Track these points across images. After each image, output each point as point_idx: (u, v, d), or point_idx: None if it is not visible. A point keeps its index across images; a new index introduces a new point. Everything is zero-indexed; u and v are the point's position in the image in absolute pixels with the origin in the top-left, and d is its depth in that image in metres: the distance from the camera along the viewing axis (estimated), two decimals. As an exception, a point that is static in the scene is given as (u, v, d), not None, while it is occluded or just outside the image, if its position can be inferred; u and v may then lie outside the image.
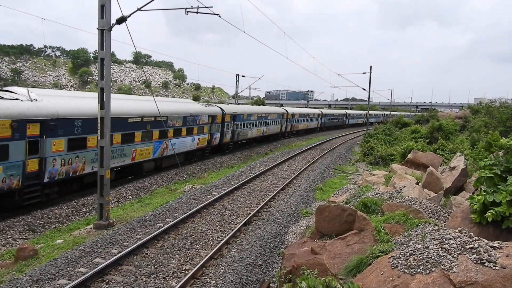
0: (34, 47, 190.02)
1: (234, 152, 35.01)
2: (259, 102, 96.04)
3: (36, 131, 15.01)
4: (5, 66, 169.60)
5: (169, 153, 24.10)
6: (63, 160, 16.33)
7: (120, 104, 20.11)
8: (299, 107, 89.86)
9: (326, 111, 78.87)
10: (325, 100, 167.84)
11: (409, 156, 19.41)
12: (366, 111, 65.80)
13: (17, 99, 14.85)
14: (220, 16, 16.58)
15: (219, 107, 32.10)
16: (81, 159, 17.29)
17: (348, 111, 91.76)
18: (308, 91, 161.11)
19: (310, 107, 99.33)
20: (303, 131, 59.94)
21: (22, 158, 14.49)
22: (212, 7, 15.49)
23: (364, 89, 54.33)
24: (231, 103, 45.77)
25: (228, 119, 32.49)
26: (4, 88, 16.35)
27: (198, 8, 15.45)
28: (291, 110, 54.76)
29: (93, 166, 17.63)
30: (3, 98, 14.43)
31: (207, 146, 29.82)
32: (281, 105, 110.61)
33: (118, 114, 18.92)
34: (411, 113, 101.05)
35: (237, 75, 57.39)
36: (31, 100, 15.23)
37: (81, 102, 17.64)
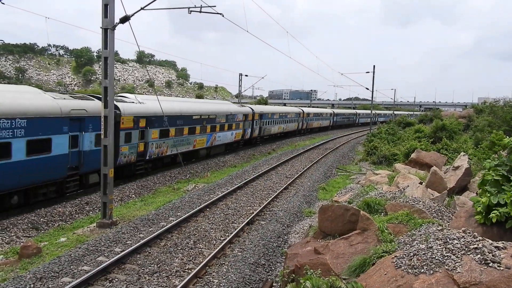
0: (38, 46, 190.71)
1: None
2: (262, 101, 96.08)
3: (143, 124, 21.42)
4: (9, 64, 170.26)
5: (215, 143, 30.44)
6: (156, 144, 22.82)
7: (188, 105, 27.32)
8: (312, 106, 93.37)
9: (337, 110, 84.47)
10: (328, 99, 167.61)
11: (413, 155, 19.35)
12: (375, 111, 74.44)
13: (132, 102, 21.28)
14: (223, 15, 16.59)
15: (250, 107, 37.92)
16: (166, 144, 23.65)
17: (358, 111, 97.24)
18: (311, 90, 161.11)
19: (313, 107, 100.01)
20: (317, 128, 65.13)
21: (136, 142, 20.93)
22: (215, 6, 15.51)
23: (368, 89, 54.24)
24: (244, 103, 48.75)
25: (256, 117, 38.22)
26: (120, 94, 23.09)
27: (201, 7, 15.47)
28: (306, 109, 60.40)
29: (172, 150, 24.20)
30: (126, 102, 20.80)
31: (241, 139, 35.59)
32: (284, 104, 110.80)
33: (186, 112, 25.49)
34: (415, 113, 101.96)
35: (240, 75, 57.39)
36: (140, 103, 21.73)
37: (165, 104, 21.89)
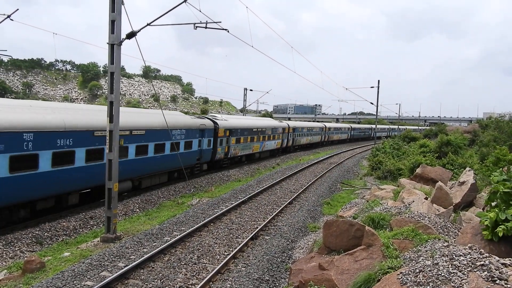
0: (45, 61, 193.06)
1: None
2: (267, 115, 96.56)
3: (227, 134, 31.62)
4: (17, 79, 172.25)
5: (264, 149, 41.22)
6: (234, 147, 33.15)
7: (249, 121, 39.46)
8: (327, 121, 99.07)
9: (354, 125, 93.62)
10: (332, 114, 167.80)
11: (418, 170, 19.24)
12: (389, 126, 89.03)
13: (220, 119, 31.70)
14: (228, 31, 16.76)
15: (287, 123, 48.45)
16: (238, 148, 34.29)
17: (374, 126, 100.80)
18: (316, 105, 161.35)
19: (317, 121, 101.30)
20: (336, 141, 74.79)
21: (224, 145, 31.31)
22: (220, 22, 15.70)
23: (372, 103, 54.47)
24: (282, 119, 66.64)
25: (291, 130, 48.73)
26: (211, 115, 34.00)
27: (206, 23, 15.65)
28: (328, 124, 71.30)
29: (242, 152, 35.08)
30: (218, 119, 31.21)
31: (280, 147, 46.11)
32: (289, 119, 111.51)
33: (249, 126, 36.16)
34: (420, 127, 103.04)
35: (245, 89, 57.71)
36: (224, 120, 32.24)
37: (237, 121, 35.51)
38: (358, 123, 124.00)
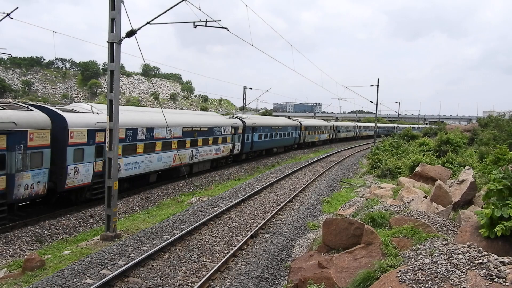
0: (45, 59, 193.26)
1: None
2: (266, 114, 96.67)
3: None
4: (16, 78, 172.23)
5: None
6: (256, 142, 38.02)
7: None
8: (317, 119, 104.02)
9: (360, 124, 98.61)
10: (332, 112, 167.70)
11: (417, 169, 19.26)
12: (396, 125, 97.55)
13: (247, 118, 36.81)
14: (228, 30, 16.76)
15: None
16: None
17: (378, 124, 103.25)
18: (315, 103, 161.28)
19: (326, 120, 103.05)
20: (344, 138, 79.56)
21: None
22: (220, 20, 15.68)
23: (372, 102, 54.38)
24: (295, 117, 71.29)
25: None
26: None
27: (206, 21, 15.63)
28: (336, 123, 76.49)
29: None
30: (245, 119, 36.22)
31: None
32: (288, 117, 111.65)
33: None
34: (420, 126, 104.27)
35: (245, 88, 57.67)
36: (249, 119, 37.24)
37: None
38: (358, 121, 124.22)
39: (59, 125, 16.06)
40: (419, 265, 6.05)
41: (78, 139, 16.86)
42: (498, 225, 6.64)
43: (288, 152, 48.90)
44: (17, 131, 14.22)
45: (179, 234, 13.89)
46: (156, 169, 22.85)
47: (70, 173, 16.50)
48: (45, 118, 15.72)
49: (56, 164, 15.99)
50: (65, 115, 16.63)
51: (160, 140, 22.31)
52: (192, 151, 26.27)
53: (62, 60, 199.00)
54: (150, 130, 21.50)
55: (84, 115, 17.85)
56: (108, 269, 11.11)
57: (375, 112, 57.49)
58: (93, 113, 18.53)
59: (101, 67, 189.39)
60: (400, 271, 6.12)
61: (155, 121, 21.92)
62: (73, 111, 17.69)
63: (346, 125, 68.86)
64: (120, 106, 14.47)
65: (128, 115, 20.16)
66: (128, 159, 19.90)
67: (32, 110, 15.63)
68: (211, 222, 16.18)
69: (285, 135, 46.30)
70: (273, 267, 11.90)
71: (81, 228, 15.91)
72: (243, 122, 35.20)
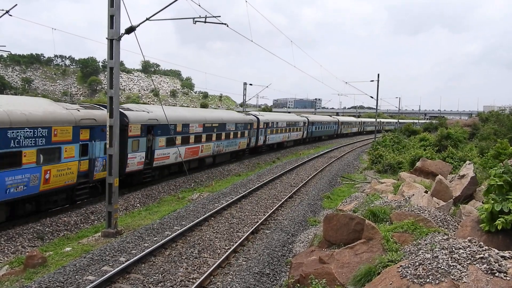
0: (44, 57, 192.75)
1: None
2: (266, 110, 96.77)
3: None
4: (16, 75, 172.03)
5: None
6: (269, 137, 41.15)
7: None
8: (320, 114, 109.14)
9: (364, 119, 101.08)
10: (332, 108, 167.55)
11: (418, 164, 19.27)
12: (396, 120, 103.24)
13: (260, 115, 40.83)
14: (227, 26, 16.72)
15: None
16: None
17: (382, 120, 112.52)
18: (316, 99, 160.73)
19: (333, 115, 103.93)
20: (351, 133, 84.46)
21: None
22: (220, 16, 15.66)
23: (372, 97, 54.41)
24: (301, 113, 73.40)
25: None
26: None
27: (206, 17, 15.61)
28: (341, 119, 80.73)
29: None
30: (258, 115, 39.57)
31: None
32: (289, 112, 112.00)
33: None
34: (419, 121, 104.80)
35: (245, 84, 57.54)
36: (262, 116, 40.88)
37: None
38: (358, 117, 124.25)
39: (122, 121, 18.20)
40: (420, 260, 6.06)
41: (135, 132, 20.33)
42: (498, 219, 6.65)
43: (297, 146, 51.69)
44: (97, 126, 17.54)
45: (180, 230, 13.91)
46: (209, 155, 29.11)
47: (129, 160, 19.93)
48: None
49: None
50: (126, 113, 19.98)
51: (193, 134, 26.08)
52: (216, 143, 29.73)
53: (61, 57, 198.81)
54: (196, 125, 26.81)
55: (137, 113, 21.25)
56: (109, 265, 11.14)
57: (375, 107, 57.42)
58: (144, 111, 21.96)
59: (100, 64, 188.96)
60: (401, 266, 6.14)
61: (195, 117, 26.73)
62: (129, 109, 21.02)
63: (324, 120, 68.93)
64: (175, 107, 16.13)
65: (183, 113, 26.20)
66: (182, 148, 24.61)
67: (103, 109, 18.47)
68: (212, 218, 16.20)
69: (294, 130, 49.66)
70: (274, 263, 11.92)
71: (82, 225, 15.94)
72: (258, 118, 38.52)
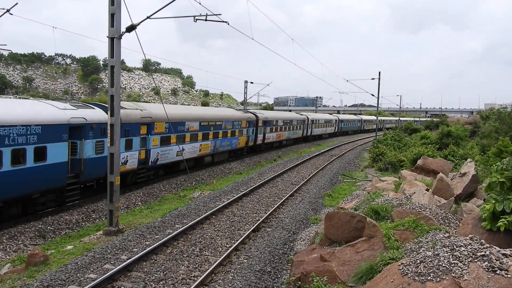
0: (45, 55, 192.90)
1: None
2: (268, 108, 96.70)
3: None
4: (17, 74, 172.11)
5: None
6: (268, 135, 40.38)
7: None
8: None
9: (382, 118, 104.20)
10: (333, 106, 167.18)
11: (419, 162, 19.27)
12: (398, 118, 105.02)
13: (259, 113, 40.08)
14: (228, 24, 16.70)
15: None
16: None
17: (382, 118, 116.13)
18: (317, 97, 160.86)
19: (333, 114, 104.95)
20: (372, 130, 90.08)
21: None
22: (220, 14, 15.63)
23: (373, 95, 54.18)
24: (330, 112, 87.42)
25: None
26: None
27: (206, 15, 15.58)
28: (364, 117, 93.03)
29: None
30: (259, 113, 39.96)
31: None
32: (289, 111, 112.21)
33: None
34: (421, 119, 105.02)
35: (246, 82, 57.51)
36: (261, 114, 40.08)
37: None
38: (360, 114, 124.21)
39: (256, 119, 26.33)
40: (421, 257, 6.07)
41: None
42: (500, 220, 6.65)
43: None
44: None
45: (181, 229, 13.93)
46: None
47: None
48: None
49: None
50: (257, 114, 25.69)
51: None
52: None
53: (62, 55, 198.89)
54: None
55: (259, 114, 27.83)
56: (111, 263, 11.16)
57: (376, 105, 57.33)
58: (260, 113, 28.23)
59: (101, 62, 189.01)
60: (402, 263, 6.14)
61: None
62: (256, 113, 27.64)
63: (325, 118, 70.14)
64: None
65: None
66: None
67: (248, 112, 24.38)
68: (213, 217, 16.22)
69: (294, 128, 49.88)
70: (275, 261, 11.93)
71: (83, 223, 15.97)
72: (256, 116, 38.07)
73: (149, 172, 22.69)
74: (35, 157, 14.55)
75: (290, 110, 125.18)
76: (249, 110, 42.49)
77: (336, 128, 70.36)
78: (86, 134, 16.97)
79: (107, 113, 14.63)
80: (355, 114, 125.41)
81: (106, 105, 15.94)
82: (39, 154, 14.73)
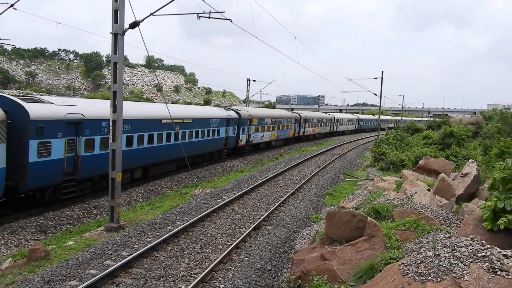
0: (48, 51, 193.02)
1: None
2: (270, 106, 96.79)
3: (248, 123, 34.69)
4: (20, 69, 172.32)
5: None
6: (253, 135, 36.46)
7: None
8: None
9: (383, 117, 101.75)
10: (336, 105, 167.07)
11: (421, 162, 19.24)
12: (400, 117, 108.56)
13: (243, 110, 34.60)
14: (232, 21, 16.67)
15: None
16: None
17: (383, 117, 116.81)
18: (319, 96, 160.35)
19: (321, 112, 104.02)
20: (370, 129, 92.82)
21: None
22: (224, 12, 15.60)
23: (376, 94, 54.08)
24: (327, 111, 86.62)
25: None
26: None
27: (210, 13, 15.55)
28: (361, 116, 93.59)
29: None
30: (243, 111, 34.54)
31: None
32: (292, 109, 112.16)
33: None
34: (423, 119, 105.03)
35: (248, 80, 57.50)
36: (246, 111, 34.91)
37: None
38: (362, 113, 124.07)
39: (238, 117, 25.14)
40: (422, 257, 6.06)
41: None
42: (501, 218, 6.63)
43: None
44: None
45: (182, 226, 13.95)
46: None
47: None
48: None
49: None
50: (239, 112, 25.80)
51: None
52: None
53: (65, 51, 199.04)
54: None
55: (242, 112, 26.56)
56: (112, 259, 11.19)
57: (379, 104, 57.21)
58: (245, 111, 27.10)
59: (104, 58, 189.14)
60: (402, 263, 6.14)
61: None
62: (239, 110, 26.81)
63: (318, 117, 67.40)
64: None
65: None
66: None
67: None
68: (214, 214, 16.23)
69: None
70: (276, 259, 11.94)
71: (85, 219, 16.01)
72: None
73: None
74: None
75: (292, 109, 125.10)
76: (294, 110, 47.13)
77: (356, 126, 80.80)
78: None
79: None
80: (357, 112, 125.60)
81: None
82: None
